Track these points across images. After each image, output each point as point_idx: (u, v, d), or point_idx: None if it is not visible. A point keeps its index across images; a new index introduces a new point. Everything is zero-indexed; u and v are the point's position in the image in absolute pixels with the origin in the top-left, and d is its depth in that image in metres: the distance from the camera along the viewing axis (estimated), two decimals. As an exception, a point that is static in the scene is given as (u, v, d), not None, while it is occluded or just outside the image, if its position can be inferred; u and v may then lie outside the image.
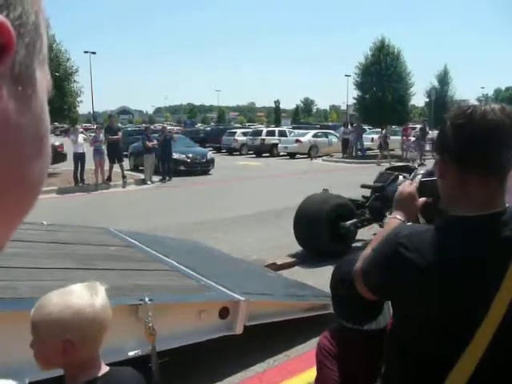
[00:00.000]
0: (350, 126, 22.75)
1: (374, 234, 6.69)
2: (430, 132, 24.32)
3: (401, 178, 6.29)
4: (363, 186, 6.82)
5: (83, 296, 1.19)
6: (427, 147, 22.98)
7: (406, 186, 1.37)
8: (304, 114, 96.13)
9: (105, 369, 1.23)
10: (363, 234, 6.35)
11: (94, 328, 1.19)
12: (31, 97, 0.31)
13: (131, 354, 2.63)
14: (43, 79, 0.33)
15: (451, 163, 1.08)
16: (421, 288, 1.03)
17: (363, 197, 6.73)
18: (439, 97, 27.11)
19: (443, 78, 29.10)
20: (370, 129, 25.36)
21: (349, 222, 5.81)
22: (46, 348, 1.16)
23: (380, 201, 6.27)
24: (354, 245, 6.17)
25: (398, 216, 1.30)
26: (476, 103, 1.11)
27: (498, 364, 1.01)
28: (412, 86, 21.88)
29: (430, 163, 15.77)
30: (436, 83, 29.07)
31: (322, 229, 5.71)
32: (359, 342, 1.62)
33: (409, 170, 6.85)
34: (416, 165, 7.21)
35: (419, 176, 1.40)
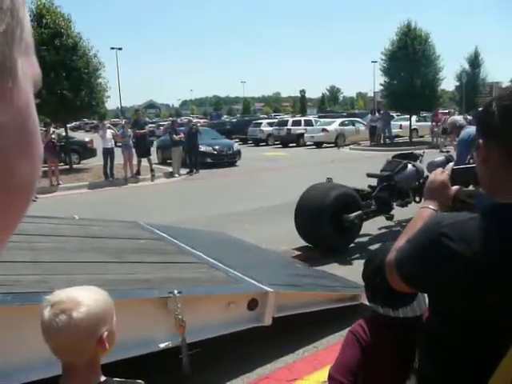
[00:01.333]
0: (377, 114, 22.32)
1: (379, 229, 6.52)
2: (461, 116, 23.62)
3: (410, 166, 6.14)
4: (369, 175, 6.54)
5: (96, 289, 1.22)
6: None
7: (438, 174, 1.30)
8: (330, 103, 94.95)
9: (101, 379, 1.21)
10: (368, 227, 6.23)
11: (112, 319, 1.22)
12: (12, 90, 0.28)
13: (162, 345, 2.67)
14: (27, 70, 0.30)
15: (496, 147, 1.02)
16: (467, 282, 0.98)
17: (369, 186, 6.42)
18: (470, 80, 26.14)
19: (474, 61, 28.04)
20: (397, 115, 24.80)
21: (353, 215, 5.39)
22: (86, 341, 1.15)
23: (387, 191, 6.04)
24: (358, 240, 5.88)
25: (430, 206, 1.25)
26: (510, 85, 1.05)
27: None
28: (441, 70, 21.15)
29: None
30: (467, 66, 28.06)
31: (324, 221, 5.32)
32: (393, 332, 1.59)
33: (414, 158, 6.64)
34: (422, 152, 6.84)
35: (451, 164, 1.33)
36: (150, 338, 2.70)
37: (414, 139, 22.63)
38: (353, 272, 4.40)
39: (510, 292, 0.96)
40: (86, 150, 17.24)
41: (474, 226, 0.99)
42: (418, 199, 6.09)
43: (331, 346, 3.38)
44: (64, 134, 15.34)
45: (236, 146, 17.39)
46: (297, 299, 3.49)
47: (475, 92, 26.30)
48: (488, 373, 0.99)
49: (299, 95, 79.49)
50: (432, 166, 4.97)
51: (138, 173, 13.48)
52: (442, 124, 21.02)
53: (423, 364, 1.22)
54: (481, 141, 1.07)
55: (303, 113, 57.89)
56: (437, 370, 1.13)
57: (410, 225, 1.23)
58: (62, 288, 1.21)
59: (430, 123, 22.24)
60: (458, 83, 26.67)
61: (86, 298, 1.16)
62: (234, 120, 34.97)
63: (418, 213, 1.26)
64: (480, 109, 1.16)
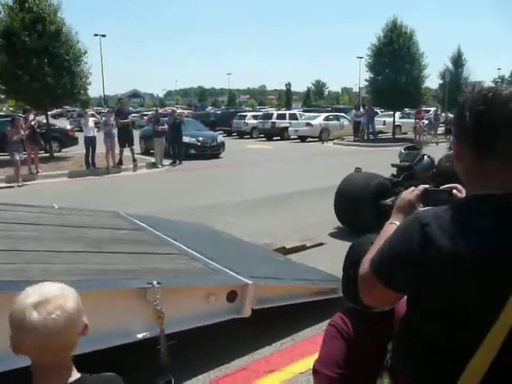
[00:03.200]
0: (361, 109, 22.48)
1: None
2: (443, 115, 23.99)
3: (425, 157, 6.93)
4: (394, 165, 7.25)
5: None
6: (440, 130, 22.72)
7: (408, 192, 1.32)
8: (315, 97, 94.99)
9: (76, 375, 1.19)
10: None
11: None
12: None
13: (139, 336, 2.67)
14: None
15: (468, 147, 1.07)
16: (454, 274, 1.00)
17: (392, 175, 7.08)
18: (453, 79, 26.54)
19: (457, 60, 28.45)
20: (382, 111, 25.03)
21: (388, 200, 5.99)
22: (73, 335, 1.15)
23: (410, 179, 6.64)
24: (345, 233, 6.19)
25: (396, 222, 1.25)
26: (492, 85, 1.09)
27: None
28: (426, 68, 21.40)
29: (442, 147, 15.52)
30: (450, 65, 28.45)
31: (365, 207, 5.97)
32: (373, 323, 1.60)
33: (416, 149, 7.43)
34: (421, 146, 7.73)
35: (426, 185, 1.35)
36: (128, 329, 2.69)
37: (397, 135, 22.89)
38: (334, 265, 4.45)
39: (485, 281, 0.99)
40: (68, 138, 16.96)
41: (451, 216, 1.03)
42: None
43: (309, 338, 3.43)
44: (45, 121, 15.05)
45: (220, 138, 17.32)
46: (276, 292, 3.52)
47: (458, 90, 26.69)
48: (461, 367, 1.02)
49: (285, 89, 79.45)
50: (450, 158, 5.28)
51: (120, 162, 13.34)
52: (435, 122, 21.27)
53: (399, 358, 1.24)
54: (455, 139, 1.11)
55: (288, 106, 57.95)
56: (414, 363, 1.15)
57: (378, 240, 1.23)
58: (40, 277, 1.19)
59: (413, 120, 22.53)
60: (441, 81, 27.04)
61: (68, 294, 1.15)
62: (219, 112, 34.80)
63: (385, 228, 1.26)
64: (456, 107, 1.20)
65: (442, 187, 1.35)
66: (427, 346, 1.10)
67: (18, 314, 1.08)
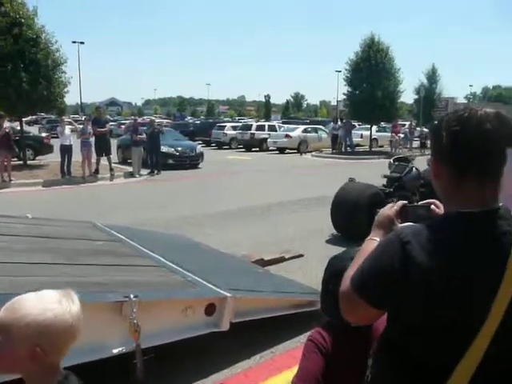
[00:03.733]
0: (339, 122, 22.82)
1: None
2: (418, 129, 24.57)
3: (414, 169, 7.36)
4: (385, 176, 7.62)
5: (62, 302, 1.12)
6: (415, 144, 23.25)
7: (387, 208, 1.33)
8: (294, 109, 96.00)
9: (62, 372, 1.17)
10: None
11: (68, 336, 1.12)
12: None
13: (115, 351, 2.60)
14: None
15: (445, 167, 1.10)
16: (433, 292, 1.01)
17: (384, 186, 7.48)
18: (427, 94, 27.23)
19: (432, 76, 29.24)
20: (359, 125, 25.45)
21: (381, 206, 6.30)
22: (12, 351, 1.07)
23: (401, 190, 7.08)
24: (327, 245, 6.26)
25: (376, 238, 1.26)
26: (464, 101, 1.11)
27: (496, 368, 1.02)
28: (401, 83, 21.96)
29: (418, 160, 15.84)
30: (425, 81, 29.21)
31: (361, 215, 6.12)
32: (351, 338, 1.60)
33: (407, 161, 7.79)
34: (413, 157, 8.54)
35: (404, 201, 1.36)
36: (104, 344, 2.61)
37: (374, 148, 23.31)
38: (313, 277, 4.45)
39: (462, 298, 1.00)
40: (43, 146, 16.61)
41: (431, 234, 1.05)
42: (418, 198, 7.00)
43: (288, 351, 3.40)
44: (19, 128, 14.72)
45: (199, 148, 17.26)
46: (255, 304, 3.48)
47: (432, 106, 27.40)
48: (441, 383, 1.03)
49: (264, 100, 79.95)
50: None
51: (97, 172, 13.13)
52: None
53: (378, 374, 1.23)
54: (433, 158, 1.14)
55: (267, 118, 58.29)
56: (394, 379, 1.15)
57: (358, 256, 1.23)
58: (9, 290, 1.15)
59: (389, 134, 22.99)
60: (416, 96, 27.70)
61: (30, 307, 1.11)
62: (198, 122, 34.76)
63: (365, 245, 1.27)
64: (432, 127, 1.24)
65: (420, 203, 1.37)
66: (407, 361, 1.10)
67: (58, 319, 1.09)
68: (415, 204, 1.39)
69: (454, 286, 1.00)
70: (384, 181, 7.58)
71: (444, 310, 1.02)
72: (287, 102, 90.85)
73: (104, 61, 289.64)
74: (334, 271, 1.66)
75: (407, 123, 24.86)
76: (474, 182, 1.06)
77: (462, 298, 1.00)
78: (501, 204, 1.08)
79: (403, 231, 1.09)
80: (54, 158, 14.00)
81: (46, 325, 1.07)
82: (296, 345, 3.40)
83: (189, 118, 58.69)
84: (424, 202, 1.34)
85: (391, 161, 8.00)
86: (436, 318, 1.03)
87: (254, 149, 24.18)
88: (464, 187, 1.07)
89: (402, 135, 22.39)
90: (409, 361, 1.09)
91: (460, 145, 1.05)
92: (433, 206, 1.27)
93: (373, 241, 1.25)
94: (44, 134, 17.46)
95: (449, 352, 1.03)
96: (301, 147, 22.63)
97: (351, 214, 6.33)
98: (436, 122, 1.17)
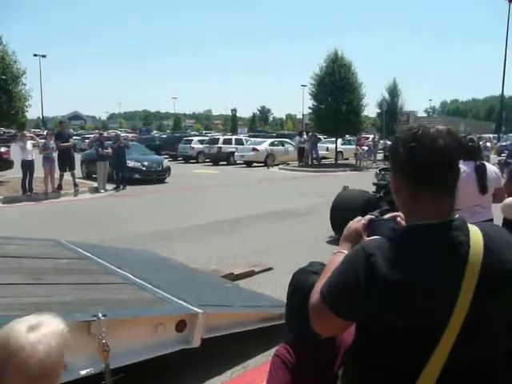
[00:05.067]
0: (305, 135, 23.19)
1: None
2: (382, 142, 25.28)
3: None
4: (374, 184, 8.43)
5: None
6: (378, 156, 23.90)
7: (355, 222, 1.38)
8: (260, 123, 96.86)
9: None
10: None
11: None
12: None
13: (83, 372, 2.53)
14: None
15: (404, 181, 1.17)
16: (396, 303, 1.06)
17: (373, 192, 8.13)
18: (390, 108, 28.12)
19: (393, 90, 30.23)
20: (325, 138, 25.95)
21: (376, 211, 6.60)
22: None
23: (389, 195, 7.53)
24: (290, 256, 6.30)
25: (344, 251, 1.30)
26: (424, 114, 1.18)
27: (459, 373, 1.08)
28: (364, 97, 22.61)
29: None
30: (387, 95, 30.16)
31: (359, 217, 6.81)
32: (316, 352, 1.62)
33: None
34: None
35: (372, 216, 1.42)
36: (71, 365, 2.53)
37: (340, 161, 23.78)
38: (283, 290, 4.48)
39: (424, 309, 1.05)
40: (2, 161, 16.02)
41: (393, 247, 1.11)
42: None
43: (259, 366, 3.40)
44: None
45: (166, 162, 17.11)
46: (226, 319, 3.47)
47: (394, 119, 28.27)
48: None
49: (230, 114, 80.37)
50: None
51: (60, 187, 12.78)
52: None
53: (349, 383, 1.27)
54: (392, 174, 1.21)
55: (234, 131, 58.54)
56: None
57: (326, 269, 1.27)
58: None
59: (354, 146, 23.54)
60: (379, 110, 28.51)
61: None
62: (164, 136, 34.48)
63: (333, 257, 1.30)
64: (390, 144, 1.31)
65: (386, 216, 1.43)
66: (376, 369, 1.14)
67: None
68: (382, 218, 1.45)
69: (416, 297, 1.05)
70: (374, 188, 8.38)
71: (406, 319, 1.07)
72: (254, 115, 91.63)
73: (67, 74, 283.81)
74: (296, 285, 1.69)
75: (371, 136, 25.57)
76: (431, 195, 1.12)
77: (423, 308, 1.05)
78: (457, 216, 1.15)
79: (368, 244, 1.15)
80: (15, 173, 13.54)
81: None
82: (267, 359, 3.39)
83: (155, 132, 58.17)
84: (390, 215, 1.40)
85: (377, 171, 8.83)
86: (399, 328, 1.08)
87: (221, 162, 24.18)
88: (422, 200, 1.13)
89: (366, 148, 22.96)
90: (378, 368, 1.13)
91: (416, 160, 1.12)
92: (399, 219, 1.33)
93: (340, 253, 1.29)
94: (3, 149, 16.84)
95: (414, 359, 1.08)
96: (268, 160, 22.81)
97: (348, 217, 6.63)
98: (393, 140, 1.24)
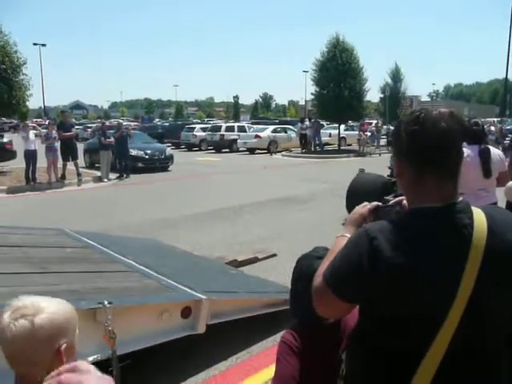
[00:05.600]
0: (307, 122, 23.07)
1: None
2: (385, 127, 25.11)
3: None
4: (389, 168, 8.17)
5: (63, 299, 1.18)
6: (381, 142, 23.76)
7: (361, 207, 1.39)
8: (263, 110, 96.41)
9: None
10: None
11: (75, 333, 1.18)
12: None
13: (90, 359, 2.56)
14: None
15: (407, 166, 1.16)
16: (400, 285, 1.06)
17: (388, 175, 7.95)
18: (393, 93, 27.84)
19: (395, 75, 29.91)
20: (327, 124, 25.78)
21: (391, 195, 6.51)
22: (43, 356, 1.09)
23: None
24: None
25: (347, 234, 1.31)
26: (427, 99, 1.17)
27: (462, 356, 1.08)
28: (366, 82, 22.38)
29: (384, 157, 16.24)
30: (389, 80, 29.86)
31: (375, 200, 6.92)
32: (321, 336, 1.63)
33: None
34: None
35: (378, 202, 1.42)
36: (78, 352, 2.57)
37: (343, 147, 23.68)
38: (287, 276, 4.50)
39: (428, 290, 1.06)
40: (4, 152, 16.04)
41: (397, 229, 1.11)
42: None
43: (264, 350, 3.44)
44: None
45: (168, 150, 17.09)
46: (230, 305, 3.50)
47: (397, 104, 28.01)
48: (412, 371, 1.08)
49: (232, 101, 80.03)
50: None
51: (64, 177, 12.82)
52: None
53: (353, 367, 1.28)
54: (395, 158, 1.21)
55: (236, 119, 58.35)
56: (368, 370, 1.19)
57: (330, 253, 1.28)
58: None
59: (357, 132, 23.40)
60: (382, 95, 28.25)
61: (49, 306, 1.11)
62: (167, 124, 34.38)
63: (336, 241, 1.31)
64: (392, 129, 1.30)
65: (391, 202, 1.42)
66: (379, 352, 1.15)
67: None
68: (388, 204, 1.45)
69: (419, 280, 1.05)
70: (387, 172, 8.22)
71: (409, 302, 1.07)
72: (256, 102, 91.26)
73: (68, 63, 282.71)
74: (300, 271, 1.69)
75: (374, 122, 25.37)
76: (434, 178, 1.12)
77: (426, 292, 1.06)
78: (461, 198, 1.14)
79: (371, 227, 1.15)
80: (18, 163, 13.58)
81: (68, 321, 1.17)
82: (272, 344, 3.43)
83: (157, 120, 58.00)
84: (394, 200, 1.40)
85: (392, 156, 8.99)
86: (402, 311, 1.08)
87: (224, 150, 24.14)
88: (425, 184, 1.13)
89: (369, 133, 22.83)
90: (381, 351, 1.14)
91: (418, 143, 1.11)
92: (404, 202, 1.33)
93: (344, 237, 1.30)
94: (6, 140, 16.85)
95: (417, 342, 1.08)
96: (271, 147, 22.74)
97: (364, 200, 6.79)
98: (396, 124, 1.23)
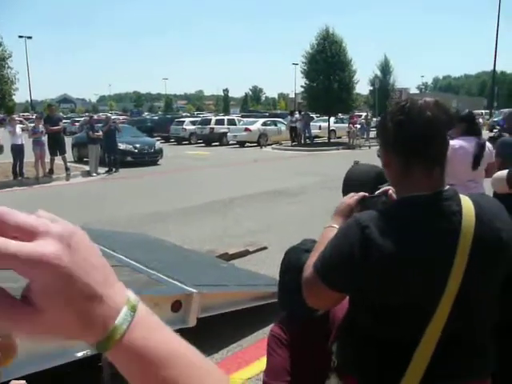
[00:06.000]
0: (297, 115, 23.05)
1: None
2: (374, 119, 25.20)
3: None
4: (379, 156, 8.72)
5: None
6: (371, 134, 23.86)
7: (348, 197, 1.40)
8: (253, 103, 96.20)
9: None
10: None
11: None
12: None
13: (79, 354, 2.54)
14: None
15: (393, 155, 1.17)
16: (388, 272, 1.06)
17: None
18: (382, 85, 27.92)
19: (385, 68, 29.97)
20: (317, 117, 25.78)
21: (385, 184, 6.92)
22: None
23: None
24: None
25: (335, 225, 1.31)
26: (416, 91, 1.17)
27: (455, 344, 1.09)
28: (355, 74, 22.40)
29: (374, 150, 16.32)
30: (378, 72, 29.91)
31: (369, 191, 7.32)
32: (310, 328, 1.63)
33: None
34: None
35: (365, 193, 1.42)
36: (67, 348, 2.55)
37: (332, 140, 23.73)
38: (277, 269, 4.50)
39: (420, 279, 1.06)
40: (-9, 147, 15.81)
41: (388, 218, 1.12)
42: None
43: (255, 343, 3.44)
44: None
45: (158, 144, 16.97)
46: (221, 299, 3.50)
47: (386, 96, 28.09)
48: (406, 361, 1.08)
49: (222, 94, 79.69)
50: None
51: (52, 171, 12.67)
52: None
53: (344, 357, 1.28)
54: (382, 149, 1.22)
55: (226, 112, 58.13)
56: (360, 360, 1.19)
57: (319, 244, 1.28)
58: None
59: (346, 125, 23.45)
60: (371, 88, 28.31)
61: None
62: (156, 117, 34.12)
63: (324, 232, 1.31)
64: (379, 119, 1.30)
65: (377, 192, 1.42)
66: (371, 341, 1.15)
67: None
68: (374, 194, 1.45)
69: (409, 269, 1.05)
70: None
71: (400, 291, 1.07)
72: (246, 95, 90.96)
73: (55, 56, 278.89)
74: (288, 264, 1.69)
75: (363, 114, 25.43)
76: (421, 166, 1.12)
77: (417, 281, 1.06)
78: (447, 186, 1.15)
79: (361, 217, 1.14)
80: (5, 158, 13.39)
81: None
82: (263, 336, 3.44)
83: (146, 113, 57.54)
84: (380, 190, 1.40)
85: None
86: (392, 300, 1.08)
87: (213, 143, 24.04)
88: (412, 173, 1.13)
89: (358, 126, 22.89)
90: (373, 340, 1.14)
91: (404, 132, 1.12)
92: (390, 192, 1.33)
93: (332, 228, 1.30)
94: (-7, 134, 16.60)
95: (407, 331, 1.09)
96: (261, 140, 22.70)
97: (360, 190, 7.15)
98: (382, 115, 1.24)
